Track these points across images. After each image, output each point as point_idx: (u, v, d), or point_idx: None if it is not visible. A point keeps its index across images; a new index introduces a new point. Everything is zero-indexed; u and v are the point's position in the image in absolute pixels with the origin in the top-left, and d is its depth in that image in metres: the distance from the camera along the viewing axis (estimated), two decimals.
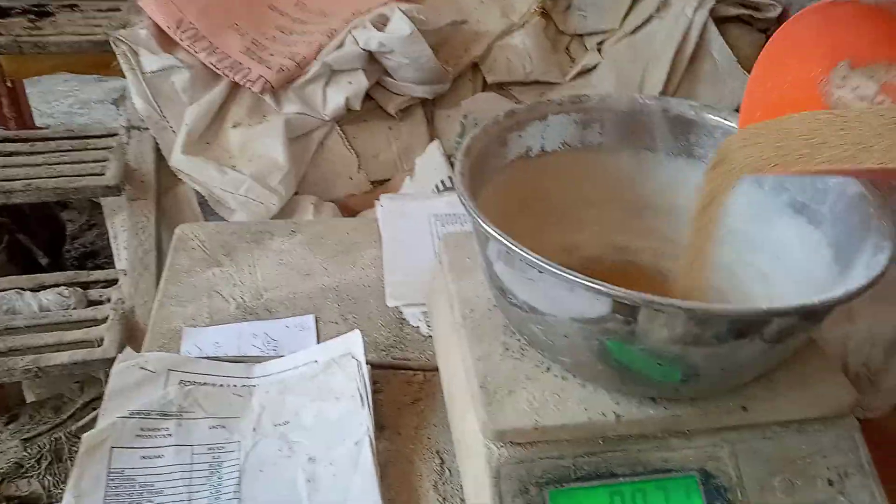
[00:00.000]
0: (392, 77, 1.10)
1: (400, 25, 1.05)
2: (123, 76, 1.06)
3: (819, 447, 0.48)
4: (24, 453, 1.00)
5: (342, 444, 0.55)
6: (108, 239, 1.11)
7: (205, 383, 0.59)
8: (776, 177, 0.52)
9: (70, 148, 1.09)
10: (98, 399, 0.57)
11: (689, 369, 0.43)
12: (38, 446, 1.01)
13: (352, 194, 1.08)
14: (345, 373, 0.59)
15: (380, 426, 0.58)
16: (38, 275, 1.01)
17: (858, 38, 0.43)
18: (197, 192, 1.04)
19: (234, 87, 1.05)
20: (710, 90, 1.16)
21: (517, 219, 0.51)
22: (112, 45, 1.05)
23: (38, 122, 1.33)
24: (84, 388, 1.10)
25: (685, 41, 1.15)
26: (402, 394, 0.61)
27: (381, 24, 1.08)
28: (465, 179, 0.48)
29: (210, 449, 0.55)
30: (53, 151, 1.08)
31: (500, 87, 1.19)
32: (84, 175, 1.03)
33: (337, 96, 1.05)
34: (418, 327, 0.68)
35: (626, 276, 0.58)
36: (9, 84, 1.29)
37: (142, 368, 0.58)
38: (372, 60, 1.08)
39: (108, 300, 0.98)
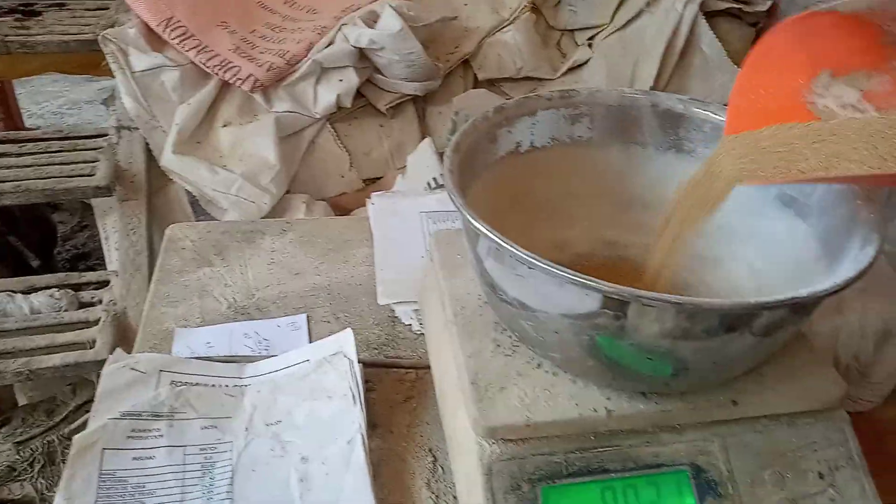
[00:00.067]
0: (383, 74, 1.10)
1: (390, 22, 1.05)
2: (113, 76, 1.05)
3: (809, 440, 0.49)
4: (17, 456, 0.99)
5: (334, 443, 0.55)
6: (99, 240, 1.11)
7: (196, 384, 0.58)
8: None
9: (60, 149, 1.08)
10: (91, 402, 0.56)
11: (679, 364, 0.43)
12: (31, 449, 1.01)
13: (343, 193, 1.08)
14: (337, 372, 0.59)
15: (372, 424, 0.58)
16: (29, 277, 1.00)
17: (838, 47, 0.44)
18: (188, 192, 1.04)
19: (224, 86, 1.05)
20: (700, 84, 1.16)
21: (507, 215, 0.51)
22: (101, 44, 1.04)
23: (27, 122, 1.32)
24: (77, 390, 1.10)
25: (675, 35, 1.15)
26: (394, 392, 0.61)
27: (371, 20, 1.07)
28: (454, 176, 0.48)
29: (202, 449, 0.55)
30: (43, 152, 1.07)
31: (492, 84, 1.19)
32: (74, 176, 1.02)
33: (328, 94, 1.05)
34: (410, 325, 0.68)
35: (617, 272, 0.58)
36: None
37: (133, 369, 0.58)
38: (362, 58, 1.08)
39: (100, 302, 0.97)
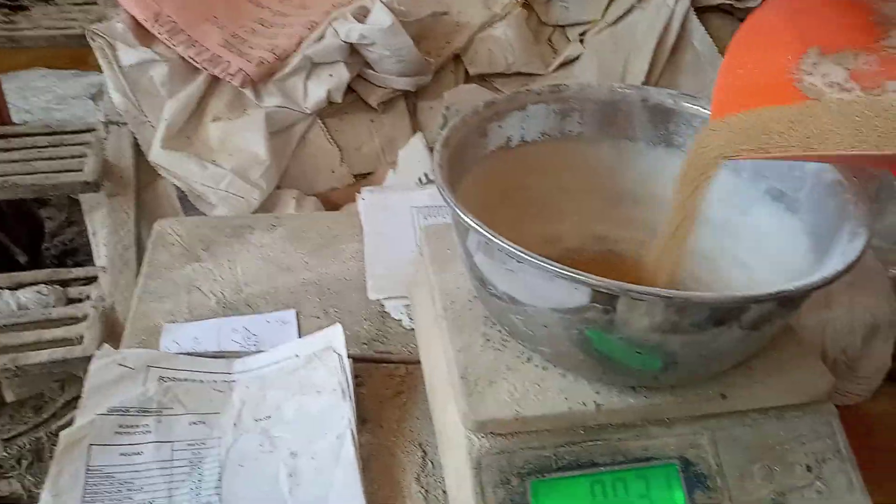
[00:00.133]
0: (373, 69, 1.09)
1: (381, 17, 1.04)
2: (101, 71, 1.04)
3: (797, 433, 0.49)
4: (5, 453, 0.98)
5: (324, 438, 0.54)
6: (87, 236, 1.10)
7: (185, 379, 0.58)
8: (754, 165, 0.53)
9: (47, 144, 1.07)
10: (79, 398, 0.56)
11: (669, 357, 0.43)
12: (18, 446, 1.00)
13: (334, 188, 1.08)
14: (326, 367, 0.59)
15: (362, 419, 0.57)
16: (16, 273, 0.99)
17: (826, 25, 0.44)
18: (177, 188, 1.03)
19: (214, 81, 1.04)
20: (691, 80, 1.16)
21: (498, 210, 0.51)
22: (88, 38, 1.03)
23: (14, 118, 1.31)
24: (65, 386, 1.09)
25: (667, 31, 1.15)
26: (384, 387, 0.61)
27: (361, 15, 1.07)
28: (443, 171, 0.48)
29: (190, 445, 0.55)
30: (30, 148, 1.06)
31: (483, 79, 1.19)
32: (62, 171, 1.01)
33: (318, 89, 1.04)
34: (400, 320, 0.68)
35: (607, 266, 0.58)
36: None
37: (120, 365, 0.58)
38: (353, 53, 1.07)
39: (88, 298, 0.96)
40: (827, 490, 0.48)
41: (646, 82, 1.13)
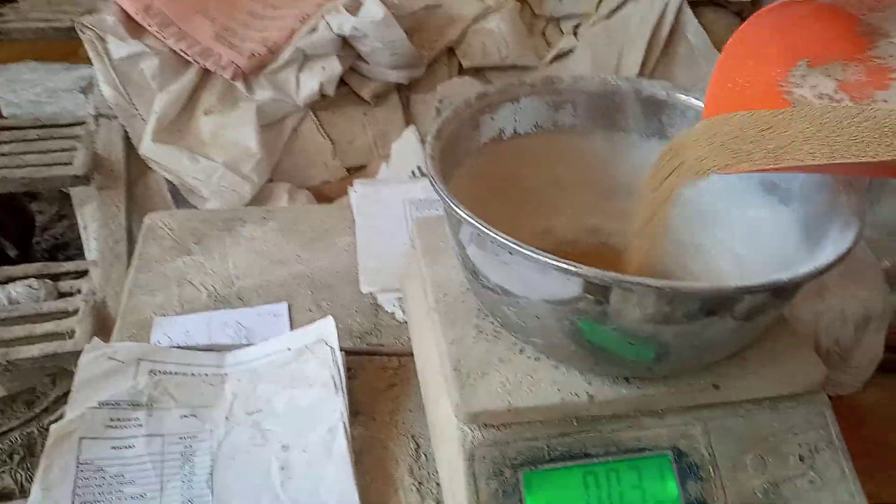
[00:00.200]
0: (366, 62, 1.09)
1: (373, 9, 1.04)
2: (91, 64, 1.04)
3: (790, 424, 0.49)
4: None
5: (315, 431, 0.54)
6: (78, 230, 1.09)
7: (176, 372, 0.58)
8: None
9: (37, 137, 1.06)
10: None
11: (661, 348, 0.43)
12: (10, 441, 1.00)
13: (327, 181, 1.07)
14: (318, 359, 0.58)
15: (355, 412, 0.57)
16: (7, 267, 0.99)
17: (814, 37, 0.44)
18: (168, 181, 1.02)
19: (205, 74, 1.03)
20: (685, 73, 1.16)
21: (491, 203, 0.51)
22: (78, 31, 1.03)
23: (4, 111, 1.30)
24: (56, 381, 1.09)
25: (660, 24, 1.15)
26: (376, 380, 0.61)
27: (354, 8, 1.06)
28: (435, 163, 0.47)
29: (182, 438, 0.54)
30: (20, 141, 1.05)
31: (476, 72, 1.19)
32: (52, 165, 1.00)
33: (310, 82, 1.04)
34: (393, 313, 0.68)
35: (600, 258, 0.58)
36: None
37: (111, 359, 0.57)
38: (345, 45, 1.06)
39: (79, 292, 0.96)
40: (819, 480, 0.48)
41: (640, 75, 1.13)
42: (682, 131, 0.47)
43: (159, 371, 0.57)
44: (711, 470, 0.47)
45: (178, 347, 0.60)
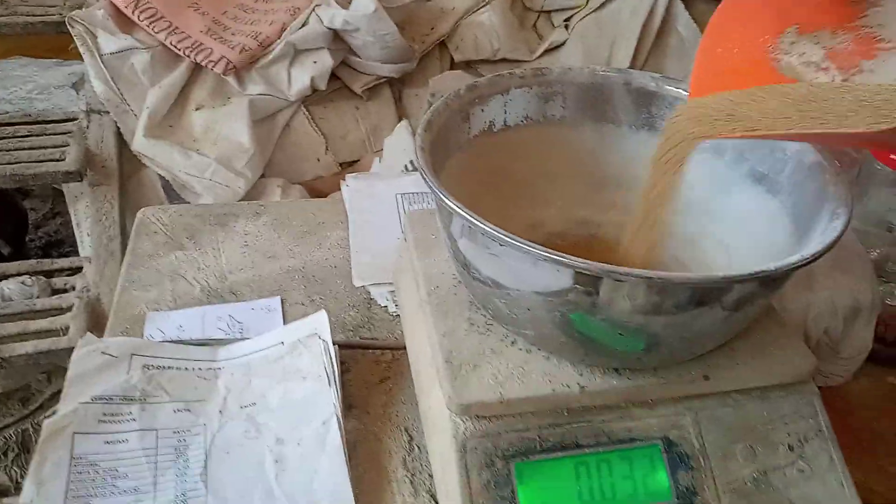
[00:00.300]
0: (358, 56, 1.09)
1: (364, 3, 1.03)
2: (82, 59, 1.03)
3: (780, 413, 0.49)
4: None
5: (309, 424, 0.54)
6: (72, 227, 1.09)
7: (169, 367, 0.58)
8: (735, 147, 0.53)
9: (28, 133, 1.06)
10: None
11: (651, 339, 0.43)
12: (5, 438, 0.99)
13: (320, 176, 1.07)
14: (311, 353, 0.59)
15: (348, 405, 0.57)
16: (0, 264, 0.99)
17: (803, 4, 0.44)
18: (161, 177, 1.02)
19: (196, 69, 1.03)
20: (676, 65, 1.16)
21: (482, 195, 0.51)
22: (68, 26, 1.02)
23: None
24: (51, 378, 1.08)
25: (651, 16, 1.15)
26: (370, 373, 0.61)
27: (344, 1, 1.06)
28: (426, 155, 0.47)
29: (175, 432, 0.55)
30: (11, 137, 1.05)
31: (468, 66, 1.18)
32: (43, 161, 1.00)
33: (302, 76, 1.04)
34: (386, 307, 0.68)
35: (590, 250, 0.58)
36: None
37: (103, 353, 0.57)
38: (337, 39, 1.06)
39: (73, 288, 0.96)
40: (809, 469, 0.49)
41: (631, 67, 1.13)
42: (671, 117, 0.47)
43: (152, 366, 0.57)
44: (702, 460, 0.48)
45: (172, 342, 0.60)
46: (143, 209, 0.77)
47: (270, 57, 1.03)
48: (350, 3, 1.05)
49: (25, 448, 1.01)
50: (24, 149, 1.02)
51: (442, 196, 0.43)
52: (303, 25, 1.05)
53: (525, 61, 1.18)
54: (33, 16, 1.12)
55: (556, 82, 0.57)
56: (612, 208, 0.59)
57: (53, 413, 0.54)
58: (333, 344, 0.59)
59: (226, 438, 0.54)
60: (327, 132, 1.08)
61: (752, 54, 0.43)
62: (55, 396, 1.05)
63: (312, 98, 1.07)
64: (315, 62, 1.04)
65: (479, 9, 1.17)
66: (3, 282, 0.95)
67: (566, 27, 1.20)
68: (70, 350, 0.78)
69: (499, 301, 0.46)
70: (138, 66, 1.00)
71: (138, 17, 1.01)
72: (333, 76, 1.08)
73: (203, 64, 1.01)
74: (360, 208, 0.78)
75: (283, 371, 0.58)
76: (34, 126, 1.07)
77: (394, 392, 0.59)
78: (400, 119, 1.11)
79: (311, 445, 0.53)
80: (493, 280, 0.45)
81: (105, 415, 0.54)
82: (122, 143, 1.04)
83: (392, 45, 1.06)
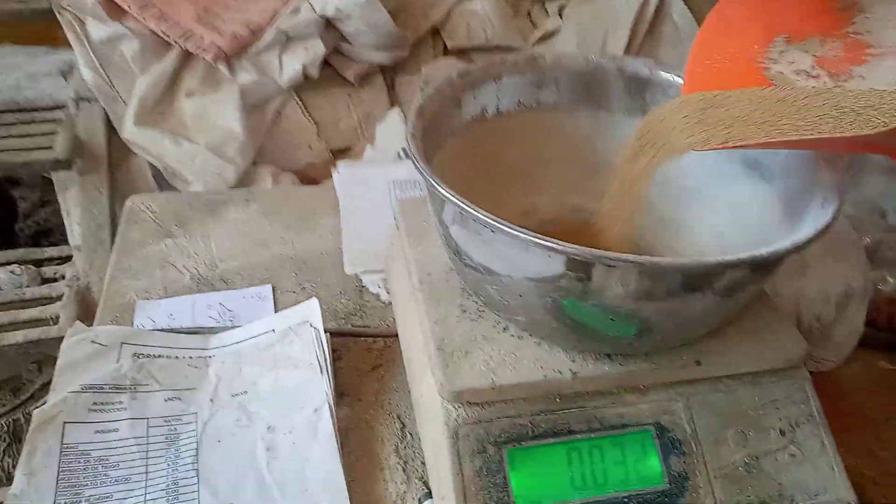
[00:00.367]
0: (350, 43, 1.08)
1: None
2: (72, 47, 1.02)
3: (771, 398, 0.49)
4: None
5: (301, 412, 0.54)
6: (62, 216, 1.08)
7: (159, 356, 0.58)
8: None
9: (17, 121, 1.05)
10: None
11: (643, 324, 0.43)
12: None
13: (311, 164, 1.06)
14: (302, 341, 0.58)
15: (340, 393, 0.57)
16: None
17: (792, 13, 0.44)
18: (151, 165, 1.01)
19: (187, 56, 1.02)
20: (670, 54, 1.15)
21: (475, 182, 0.51)
22: (56, 12, 1.01)
23: None
24: (42, 368, 1.08)
25: (645, 5, 1.14)
26: (361, 361, 0.61)
27: None
28: (417, 141, 0.47)
29: (166, 421, 0.54)
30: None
31: (462, 53, 1.18)
32: (32, 149, 0.99)
33: (293, 63, 1.03)
34: (378, 294, 0.68)
35: (582, 236, 0.58)
36: None
37: (93, 342, 0.57)
38: (329, 26, 1.05)
39: (63, 277, 0.95)
40: (800, 453, 0.49)
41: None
42: (656, 108, 0.47)
43: (143, 354, 0.57)
44: (693, 445, 0.48)
45: (162, 330, 0.60)
46: (132, 197, 0.76)
47: (262, 44, 1.02)
48: None
49: (17, 438, 1.01)
50: (12, 137, 1.01)
51: (433, 183, 0.43)
52: (294, 12, 1.04)
53: (519, 49, 1.18)
54: (21, 2, 1.10)
55: (550, 68, 0.56)
56: (605, 194, 0.58)
57: (44, 403, 0.54)
58: (325, 332, 0.59)
59: (217, 427, 0.54)
60: (319, 119, 1.08)
61: (742, 64, 0.43)
62: (46, 386, 1.05)
63: (304, 85, 1.06)
64: (306, 49, 1.03)
65: None
66: None
67: (560, 15, 1.20)
68: (60, 339, 0.78)
69: (491, 288, 0.46)
70: (128, 54, 0.99)
71: (128, 4, 1.00)
72: (325, 63, 1.07)
73: (193, 52, 1.00)
74: (351, 196, 0.77)
75: (275, 359, 0.58)
76: (22, 114, 1.06)
77: (386, 379, 0.59)
78: (392, 106, 1.10)
79: (302, 433, 0.53)
80: (485, 267, 0.45)
81: (95, 404, 0.54)
82: (111, 130, 1.03)
83: (384, 32, 1.05)
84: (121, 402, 0.54)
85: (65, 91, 1.15)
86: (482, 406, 0.46)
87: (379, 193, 0.78)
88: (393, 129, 1.04)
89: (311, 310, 0.60)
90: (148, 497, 0.50)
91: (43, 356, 1.02)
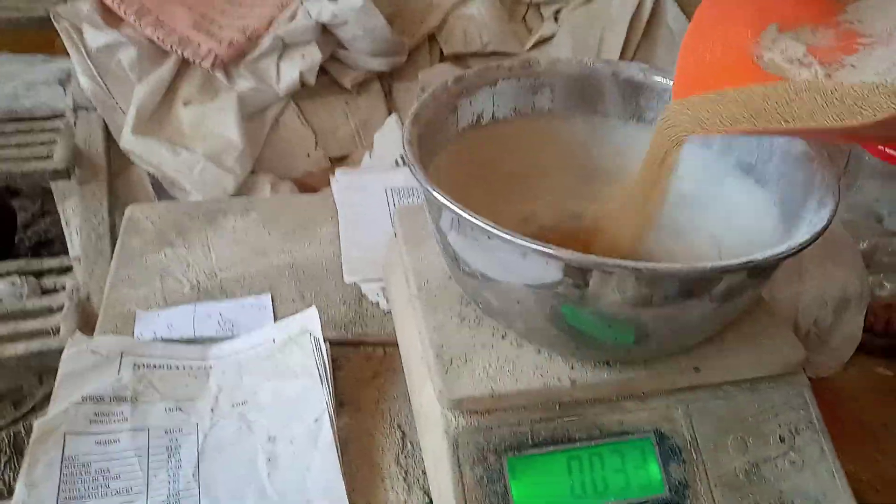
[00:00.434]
0: (347, 50, 1.08)
1: None
2: (69, 55, 1.02)
3: (770, 405, 0.49)
4: None
5: (301, 421, 0.54)
6: (61, 226, 1.08)
7: (159, 366, 0.58)
8: (723, 138, 0.53)
9: (15, 131, 1.05)
10: None
11: (641, 331, 0.43)
12: None
13: (310, 172, 1.07)
14: (302, 350, 0.58)
15: (340, 402, 0.57)
16: None
17: (783, 2, 0.44)
18: (150, 173, 1.01)
19: (184, 64, 1.02)
20: (665, 58, 1.16)
21: (472, 189, 0.51)
22: (53, 21, 1.01)
23: None
24: (43, 379, 1.08)
25: (640, 9, 1.15)
26: (361, 370, 0.61)
27: None
28: (414, 148, 0.47)
29: (167, 432, 0.54)
30: None
31: (458, 59, 1.18)
32: (31, 159, 0.99)
33: (291, 70, 1.03)
34: (377, 303, 0.68)
35: (580, 242, 0.58)
36: None
37: (94, 353, 0.57)
38: (325, 33, 1.06)
39: (63, 288, 0.95)
40: (800, 460, 0.49)
41: (621, 59, 1.13)
42: (664, 111, 0.47)
43: (143, 365, 0.57)
44: (693, 452, 0.48)
45: (162, 340, 0.60)
46: (131, 206, 0.77)
47: (259, 51, 1.02)
48: None
49: (18, 451, 1.01)
50: (11, 146, 1.01)
51: (430, 190, 0.43)
52: (291, 19, 1.04)
53: (514, 54, 1.18)
54: (18, 11, 1.11)
55: (545, 74, 0.56)
56: (603, 200, 0.58)
57: (45, 414, 0.54)
58: (325, 340, 0.59)
59: (218, 437, 0.54)
60: (317, 127, 1.08)
61: (734, 53, 0.43)
62: (47, 398, 1.04)
63: (302, 93, 1.07)
64: (303, 56, 1.04)
65: (467, 1, 1.17)
66: None
67: (556, 20, 1.20)
68: (61, 351, 0.78)
69: (489, 295, 0.46)
70: (125, 62, 0.99)
71: (124, 11, 1.00)
72: (323, 71, 1.07)
73: (190, 59, 1.00)
74: (350, 203, 0.77)
75: (275, 368, 0.58)
76: (21, 124, 1.06)
77: (386, 388, 0.59)
78: (390, 113, 1.11)
79: (303, 443, 0.53)
80: (483, 274, 0.45)
81: (96, 415, 0.54)
82: (109, 139, 1.03)
83: (381, 38, 1.06)
84: (121, 413, 0.54)
85: (63, 100, 1.15)
86: (482, 414, 0.46)
87: (377, 201, 0.78)
88: (390, 137, 1.04)
89: (310, 319, 0.60)
90: None
91: (44, 368, 1.02)
